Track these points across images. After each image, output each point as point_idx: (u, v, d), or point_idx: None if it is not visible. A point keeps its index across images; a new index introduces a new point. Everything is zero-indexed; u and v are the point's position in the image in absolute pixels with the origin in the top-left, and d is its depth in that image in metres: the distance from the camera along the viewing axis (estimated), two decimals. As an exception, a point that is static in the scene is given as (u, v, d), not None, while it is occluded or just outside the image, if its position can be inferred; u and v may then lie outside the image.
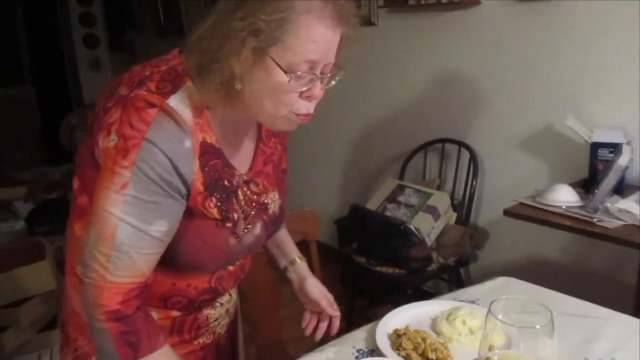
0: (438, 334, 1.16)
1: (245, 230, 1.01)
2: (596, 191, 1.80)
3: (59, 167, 4.06)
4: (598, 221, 1.73)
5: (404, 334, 1.12)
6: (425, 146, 2.74)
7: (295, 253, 1.31)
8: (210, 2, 4.18)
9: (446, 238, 2.40)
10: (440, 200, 2.43)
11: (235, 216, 0.99)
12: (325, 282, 1.32)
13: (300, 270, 1.29)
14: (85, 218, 0.94)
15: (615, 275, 2.15)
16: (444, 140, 2.67)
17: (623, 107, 2.06)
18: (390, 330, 1.16)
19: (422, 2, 2.59)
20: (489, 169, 2.57)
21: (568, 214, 1.82)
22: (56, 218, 2.86)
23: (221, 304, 1.13)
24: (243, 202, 1.01)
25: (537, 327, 0.74)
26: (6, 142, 4.69)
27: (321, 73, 0.89)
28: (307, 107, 0.91)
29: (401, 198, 2.52)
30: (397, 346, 1.10)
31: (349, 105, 3.16)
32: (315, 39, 0.84)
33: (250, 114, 0.94)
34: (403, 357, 1.07)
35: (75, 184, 1.00)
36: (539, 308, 0.78)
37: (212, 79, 0.87)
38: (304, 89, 0.88)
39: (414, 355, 1.07)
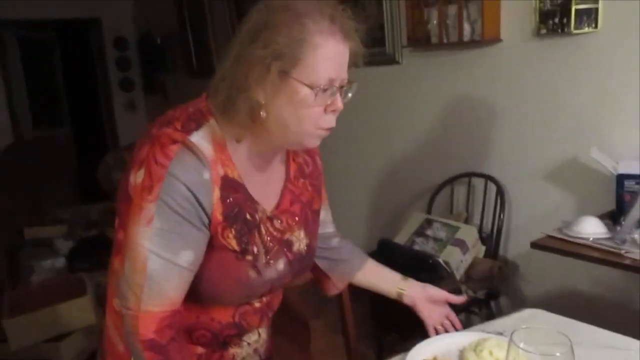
0: (466, 364, 1.19)
1: (267, 265, 1.05)
2: (623, 222, 1.81)
3: (96, 204, 4.21)
4: (626, 252, 1.74)
5: (433, 364, 1.15)
6: (452, 180, 2.78)
7: (398, 276, 1.34)
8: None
9: (475, 271, 2.41)
10: (468, 233, 2.45)
11: (255, 249, 1.03)
12: (357, 318, 1.35)
13: (414, 287, 1.33)
14: (122, 252, 1.00)
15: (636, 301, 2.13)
16: (470, 174, 2.71)
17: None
18: (419, 361, 1.19)
19: (445, 41, 2.66)
20: (515, 202, 2.59)
21: (595, 245, 1.83)
22: (95, 255, 2.98)
23: (249, 343, 1.15)
24: (266, 237, 1.05)
25: (558, 354, 0.78)
26: (46, 182, 4.89)
27: (340, 86, 0.96)
28: (330, 120, 0.98)
29: (429, 232, 2.55)
30: (425, 376, 1.13)
31: (376, 141, 3.23)
32: (331, 55, 0.92)
33: (275, 139, 1.00)
34: (432, 386, 1.10)
35: (116, 220, 1.07)
36: (559, 337, 0.81)
37: (239, 110, 0.94)
38: (328, 102, 0.95)
39: (442, 385, 1.10)
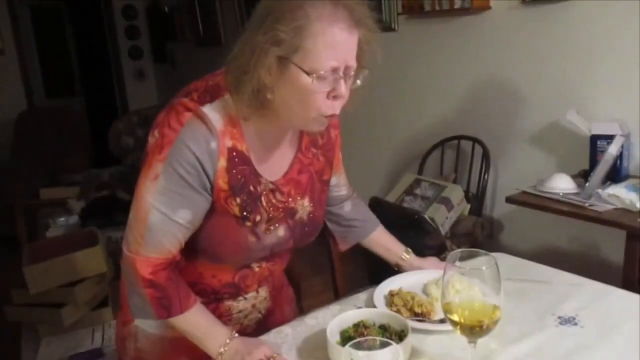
0: (427, 295, 1.34)
1: (267, 231, 1.11)
2: (590, 179, 1.95)
3: (108, 168, 4.39)
4: (590, 206, 1.87)
5: (397, 293, 1.31)
6: (442, 143, 2.91)
7: (402, 250, 1.42)
8: (246, 14, 4.45)
9: (459, 228, 2.56)
10: (453, 192, 2.60)
11: (258, 218, 1.09)
12: (348, 277, 1.42)
13: (412, 262, 1.41)
14: None
15: (611, 255, 2.26)
16: (459, 137, 2.84)
17: (623, 102, 2.18)
18: (387, 292, 1.35)
19: (437, 8, 2.76)
20: (501, 163, 2.73)
21: (564, 200, 1.96)
22: (106, 213, 3.16)
23: (245, 298, 1.22)
24: (268, 207, 1.10)
25: (483, 268, 0.94)
26: (61, 148, 5.07)
27: (344, 74, 0.96)
28: (332, 107, 0.98)
29: (418, 191, 2.70)
30: (390, 303, 1.29)
31: (372, 107, 3.35)
32: (332, 42, 0.92)
33: (282, 121, 1.04)
34: (395, 311, 1.26)
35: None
36: (486, 257, 0.97)
37: (245, 90, 0.97)
38: (329, 89, 0.96)
39: (403, 310, 1.25)
